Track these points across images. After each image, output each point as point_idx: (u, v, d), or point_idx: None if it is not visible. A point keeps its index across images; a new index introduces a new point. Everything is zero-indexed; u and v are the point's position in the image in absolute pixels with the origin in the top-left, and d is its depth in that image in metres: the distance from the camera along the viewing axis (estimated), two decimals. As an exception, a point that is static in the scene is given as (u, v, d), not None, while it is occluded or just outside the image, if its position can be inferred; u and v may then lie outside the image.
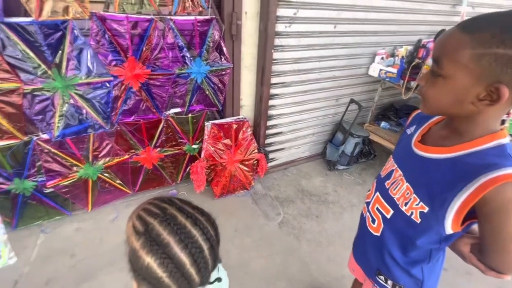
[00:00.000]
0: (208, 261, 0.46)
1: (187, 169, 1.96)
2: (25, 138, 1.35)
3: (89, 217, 1.70)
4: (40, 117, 1.32)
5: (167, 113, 1.69)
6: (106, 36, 1.31)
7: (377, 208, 0.72)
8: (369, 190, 0.80)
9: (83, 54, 1.28)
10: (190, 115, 1.76)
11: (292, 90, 1.98)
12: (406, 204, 0.63)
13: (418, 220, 0.60)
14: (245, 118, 1.89)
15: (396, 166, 0.69)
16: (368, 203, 0.78)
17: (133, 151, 1.71)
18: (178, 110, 1.71)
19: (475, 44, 0.45)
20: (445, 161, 0.56)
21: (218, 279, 0.57)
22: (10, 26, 1.11)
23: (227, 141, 1.85)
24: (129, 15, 1.30)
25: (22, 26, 1.13)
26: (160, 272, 0.42)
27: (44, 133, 1.38)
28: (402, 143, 0.72)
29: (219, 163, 1.86)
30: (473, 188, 0.50)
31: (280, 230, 1.76)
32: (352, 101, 2.20)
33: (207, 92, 1.70)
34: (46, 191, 1.55)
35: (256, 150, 1.98)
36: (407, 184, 0.63)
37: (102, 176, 1.65)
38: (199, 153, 1.93)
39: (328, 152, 2.34)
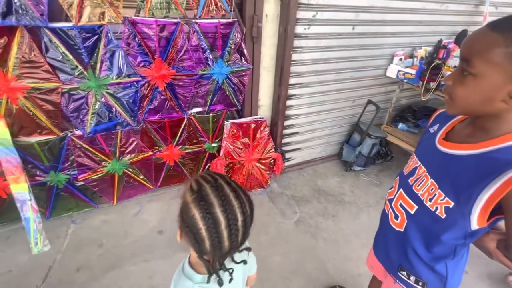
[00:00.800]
0: (239, 231, 0.53)
1: (207, 167, 2.03)
2: (61, 134, 1.45)
3: (114, 210, 1.80)
4: (75, 114, 1.42)
5: (189, 112, 1.76)
6: (136, 39, 1.39)
7: (401, 204, 0.74)
8: (391, 188, 0.81)
9: (115, 56, 1.37)
10: (211, 114, 1.83)
11: (309, 90, 2.01)
12: (430, 199, 0.64)
13: (443, 216, 0.61)
14: (263, 117, 1.94)
15: (419, 163, 0.70)
16: (391, 200, 0.79)
17: (157, 148, 1.79)
18: (199, 109, 1.78)
19: (508, 43, 0.47)
20: (471, 157, 0.57)
21: (248, 249, 0.66)
22: (53, 30, 1.21)
23: (245, 140, 1.90)
24: (158, 19, 1.38)
25: (64, 31, 1.23)
26: (200, 224, 0.51)
27: (78, 130, 1.48)
28: (425, 142, 0.73)
29: (237, 161, 1.92)
30: (499, 183, 0.51)
31: (296, 228, 1.79)
32: (369, 102, 2.20)
33: (227, 93, 1.77)
34: (77, 184, 1.65)
35: (273, 150, 2.02)
36: (432, 180, 0.64)
37: (127, 171, 1.74)
38: (218, 151, 2.00)
39: (344, 153, 2.35)
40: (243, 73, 1.74)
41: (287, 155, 2.25)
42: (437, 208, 0.63)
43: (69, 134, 1.48)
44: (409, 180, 0.72)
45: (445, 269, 0.70)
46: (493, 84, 0.50)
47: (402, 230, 0.73)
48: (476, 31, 0.52)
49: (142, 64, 1.47)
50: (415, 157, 0.75)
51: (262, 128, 1.92)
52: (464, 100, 0.55)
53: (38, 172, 1.51)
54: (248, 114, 1.94)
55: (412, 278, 0.74)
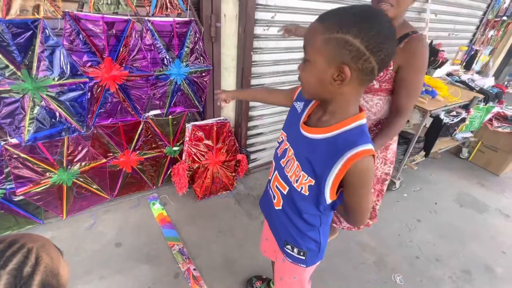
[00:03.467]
0: None
1: (168, 172, 1.94)
2: (-8, 143, 1.27)
3: (64, 225, 1.63)
4: (8, 120, 1.25)
5: (146, 115, 1.66)
6: (81, 36, 1.27)
7: (276, 186, 0.81)
8: (270, 168, 0.88)
9: (56, 54, 1.24)
10: (170, 116, 1.74)
11: (271, 91, 2.03)
12: (297, 181, 0.71)
13: (307, 193, 0.69)
14: (226, 119, 1.91)
15: (289, 145, 0.77)
16: (269, 181, 0.87)
17: (111, 154, 1.66)
18: (157, 112, 1.69)
19: (324, 30, 0.54)
20: (322, 141, 0.65)
21: None
22: (-26, 24, 1.05)
23: (209, 142, 1.85)
24: (105, 16, 1.27)
25: (-12, 25, 1.07)
26: None
27: (13, 138, 1.31)
28: (291, 120, 0.79)
29: (201, 165, 1.86)
30: (340, 165, 0.60)
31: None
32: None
33: (187, 94, 1.70)
34: (16, 199, 1.46)
35: (237, 151, 2.00)
36: (297, 162, 0.71)
37: (78, 181, 1.59)
38: (180, 155, 1.92)
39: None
40: (203, 74, 1.69)
41: (253, 156, 2.25)
42: (302, 188, 0.70)
43: (2, 143, 1.30)
44: (281, 162, 0.78)
45: (318, 235, 0.80)
46: (319, 67, 0.57)
47: (281, 208, 0.81)
48: (311, 23, 0.59)
49: (89, 64, 1.34)
50: (286, 137, 0.80)
51: (225, 130, 1.89)
52: (307, 84, 0.63)
53: (-37, 189, 1.30)
54: (211, 116, 1.90)
55: (296, 250, 0.84)
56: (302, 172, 0.69)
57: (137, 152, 1.74)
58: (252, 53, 1.74)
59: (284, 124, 0.82)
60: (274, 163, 0.84)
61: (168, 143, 1.84)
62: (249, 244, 1.67)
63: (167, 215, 1.78)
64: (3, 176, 1.38)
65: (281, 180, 0.78)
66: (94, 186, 1.67)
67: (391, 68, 1.03)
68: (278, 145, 0.82)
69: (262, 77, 1.92)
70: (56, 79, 1.27)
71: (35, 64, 1.21)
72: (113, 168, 1.70)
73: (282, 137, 0.81)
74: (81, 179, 1.60)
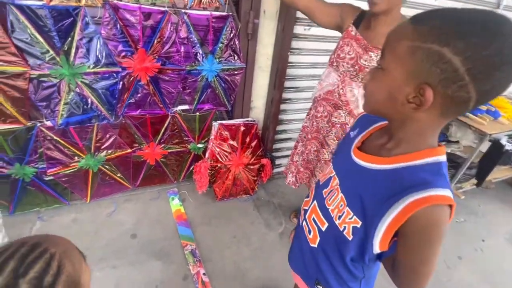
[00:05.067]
0: None
1: (191, 168, 1.91)
2: (29, 124, 1.32)
3: (87, 208, 1.67)
4: (45, 103, 1.29)
5: (174, 110, 1.64)
6: (118, 25, 1.26)
7: (314, 219, 0.67)
8: (307, 197, 0.74)
9: (93, 42, 1.25)
10: (197, 113, 1.71)
11: (305, 95, 1.90)
12: (339, 217, 0.58)
13: (350, 237, 0.56)
14: (254, 120, 1.82)
15: (334, 173, 0.63)
16: (305, 211, 0.72)
17: (137, 145, 1.67)
18: (186, 107, 1.66)
19: (415, 36, 0.42)
20: (380, 173, 0.51)
21: None
22: (20, 8, 1.08)
23: (234, 143, 1.79)
24: (143, 6, 1.25)
25: (32, 9, 1.09)
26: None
27: (48, 120, 1.36)
28: (343, 147, 0.66)
29: (223, 165, 1.80)
30: (400, 208, 0.46)
31: (280, 242, 1.68)
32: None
33: (217, 91, 1.65)
34: (46, 179, 1.52)
35: (262, 155, 1.91)
36: (342, 194, 0.58)
37: (103, 168, 1.62)
38: (204, 152, 1.88)
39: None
40: (236, 72, 1.62)
41: (277, 161, 2.14)
42: (345, 228, 0.57)
43: (38, 124, 1.35)
44: (323, 192, 0.65)
45: (359, 285, 0.67)
46: (394, 80, 0.45)
47: (316, 246, 0.67)
48: (399, 22, 0.46)
49: (123, 54, 1.34)
50: (331, 164, 0.67)
51: (252, 132, 1.81)
52: (372, 95, 0.51)
53: (1, 163, 1.38)
54: (239, 116, 1.83)
55: None
56: (347, 208, 0.56)
57: (162, 145, 1.73)
58: (289, 53, 1.63)
59: (335, 151, 0.71)
60: (313, 191, 0.72)
61: (193, 139, 1.81)
62: (264, 255, 1.58)
63: (185, 212, 1.75)
64: (37, 156, 1.44)
65: (320, 213, 0.65)
66: (118, 175, 1.69)
67: None
68: (321, 172, 0.71)
69: (297, 79, 1.80)
70: (91, 66, 1.28)
71: (73, 51, 1.23)
72: (137, 159, 1.71)
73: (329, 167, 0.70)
74: (106, 166, 1.63)
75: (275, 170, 2.15)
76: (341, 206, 0.58)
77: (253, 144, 1.84)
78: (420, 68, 0.41)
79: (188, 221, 1.69)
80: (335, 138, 1.32)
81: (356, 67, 1.14)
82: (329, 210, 0.62)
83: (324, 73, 1.31)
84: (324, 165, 1.42)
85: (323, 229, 0.64)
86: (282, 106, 1.87)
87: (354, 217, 0.54)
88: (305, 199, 0.75)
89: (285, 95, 1.83)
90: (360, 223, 0.53)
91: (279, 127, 1.97)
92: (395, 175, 0.49)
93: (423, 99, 0.42)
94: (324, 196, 0.65)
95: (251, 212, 1.86)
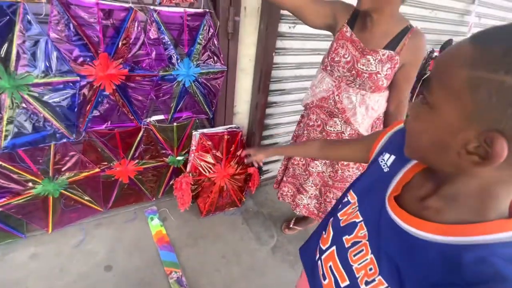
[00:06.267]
0: None
1: (170, 183, 1.73)
2: (-38, 149, 1.07)
3: (49, 239, 1.43)
4: (-18, 123, 1.04)
5: (147, 121, 1.44)
6: (71, 25, 1.04)
7: (331, 268, 0.54)
8: (323, 230, 0.60)
9: (39, 46, 1.01)
10: (175, 123, 1.52)
11: (291, 98, 1.79)
12: (367, 283, 0.44)
13: None
14: (238, 127, 1.67)
15: (361, 219, 0.49)
16: (321, 251, 0.58)
17: (106, 163, 1.45)
18: (161, 117, 1.47)
19: (478, 63, 0.29)
20: (431, 245, 0.37)
21: None
22: None
23: (218, 153, 1.63)
24: (100, 1, 1.04)
25: (-50, 6, 0.85)
26: None
27: (-12, 143, 1.10)
28: (371, 181, 0.52)
29: (207, 178, 1.64)
30: None
31: (273, 257, 1.57)
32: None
33: (196, 98, 1.47)
34: (-7, 211, 1.27)
35: (249, 164, 1.77)
36: (372, 256, 0.44)
37: (66, 193, 1.39)
38: (185, 165, 1.70)
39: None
40: (216, 76, 1.45)
41: (265, 167, 2.02)
42: None
43: (-24, 149, 1.10)
44: (344, 239, 0.51)
45: None
46: (447, 123, 0.33)
47: None
48: (455, 43, 0.34)
49: (81, 59, 1.12)
50: (357, 203, 0.53)
51: (237, 140, 1.66)
52: (415, 139, 0.39)
53: None
54: (221, 123, 1.66)
55: None
56: (380, 277, 0.42)
57: (136, 161, 1.52)
58: (274, 54, 1.49)
59: (356, 181, 0.55)
60: (331, 231, 0.57)
61: (172, 152, 1.62)
62: (256, 274, 1.46)
63: (166, 233, 1.57)
64: (-22, 185, 1.18)
65: (340, 266, 0.51)
66: (86, 198, 1.47)
67: (398, 65, 1.00)
68: (339, 204, 0.56)
69: (283, 81, 1.67)
70: (39, 76, 1.05)
71: (13, 58, 0.99)
72: (107, 178, 1.49)
73: (348, 197, 0.55)
74: (70, 190, 1.40)
75: (262, 177, 2.03)
76: (370, 270, 0.44)
77: (239, 152, 1.70)
78: (486, 109, 0.29)
79: (170, 244, 1.52)
80: None
81: (353, 71, 1.04)
82: (353, 268, 0.48)
83: (317, 77, 1.19)
84: (316, 177, 1.32)
85: (342, 286, 0.51)
86: (268, 111, 1.73)
87: None
88: (323, 234, 0.60)
89: (271, 99, 1.70)
90: None
91: (265, 133, 1.84)
92: (451, 255, 0.34)
93: (490, 152, 0.29)
94: (347, 246, 0.51)
95: (240, 226, 1.72)
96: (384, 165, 0.50)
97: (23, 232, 1.40)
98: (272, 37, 1.44)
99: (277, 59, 1.54)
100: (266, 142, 1.90)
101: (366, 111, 1.09)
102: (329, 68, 1.11)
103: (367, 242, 0.46)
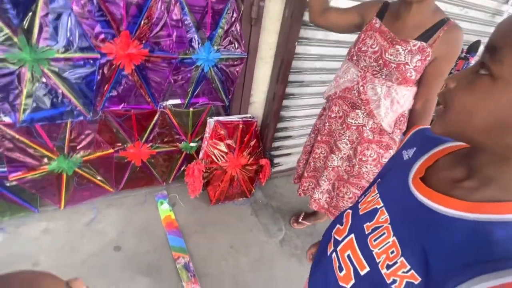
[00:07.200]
0: None
1: (182, 169, 1.72)
2: (-19, 120, 1.07)
3: (60, 215, 1.45)
4: (2, 95, 1.04)
5: (163, 104, 1.42)
6: (94, 0, 1.01)
7: (349, 257, 0.52)
8: (340, 222, 0.58)
9: (62, 20, 0.99)
10: (191, 108, 1.50)
11: (310, 90, 1.74)
12: (388, 267, 0.43)
13: None
14: (253, 117, 1.64)
15: (382, 204, 0.49)
16: (337, 242, 0.57)
17: (120, 144, 1.44)
18: (177, 101, 1.44)
19: None
20: (460, 222, 0.35)
21: None
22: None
23: (231, 142, 1.61)
24: (126, -23, 1.01)
25: (-24, -28, 0.83)
26: None
27: (7, 116, 1.10)
28: (393, 172, 0.52)
29: (219, 166, 1.62)
30: (495, 283, 0.30)
31: (281, 250, 1.56)
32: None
33: (213, 84, 1.44)
34: (8, 184, 1.28)
35: (261, 155, 1.74)
36: (394, 238, 0.43)
37: (80, 171, 1.39)
38: (197, 152, 1.69)
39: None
40: (235, 63, 1.42)
41: (276, 160, 1.99)
42: (394, 281, 0.41)
43: (-6, 120, 1.10)
44: (364, 226, 0.50)
45: None
46: None
47: (348, 287, 0.52)
48: None
49: (102, 36, 1.10)
50: (376, 190, 0.53)
51: (252, 130, 1.63)
52: (466, 113, 0.34)
53: None
54: (237, 112, 1.64)
55: None
56: (402, 259, 0.41)
57: (149, 144, 1.51)
58: (296, 43, 1.44)
59: (381, 173, 0.54)
60: (348, 219, 0.57)
61: (185, 138, 1.60)
62: (264, 267, 1.45)
63: (175, 218, 1.57)
64: (-5, 158, 1.19)
65: (359, 253, 0.50)
66: (98, 177, 1.47)
67: (429, 58, 0.96)
68: (363, 194, 0.55)
69: (303, 72, 1.63)
70: (60, 51, 1.03)
71: (35, 30, 0.97)
72: (120, 160, 1.49)
73: (370, 188, 0.54)
74: (83, 168, 1.40)
75: (273, 170, 2.00)
76: (392, 253, 0.43)
77: (252, 143, 1.67)
78: None
79: (179, 229, 1.52)
80: (348, 142, 1.18)
81: (380, 61, 1.00)
82: (373, 253, 0.47)
83: (341, 68, 1.15)
84: (331, 172, 1.29)
85: (362, 273, 0.49)
86: (285, 102, 1.70)
87: (412, 271, 0.40)
88: (337, 226, 0.60)
89: (289, 90, 1.65)
90: (419, 279, 0.39)
91: (280, 125, 1.81)
92: (480, 231, 0.34)
93: None
94: (367, 233, 0.50)
95: (249, 217, 1.71)
96: (405, 156, 0.49)
97: (36, 207, 1.41)
98: (296, 25, 1.39)
99: (298, 49, 1.49)
100: (280, 134, 1.87)
101: (391, 105, 1.05)
102: (355, 58, 1.07)
103: (389, 226, 0.45)
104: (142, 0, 1.10)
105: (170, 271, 1.32)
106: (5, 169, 1.21)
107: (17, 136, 1.16)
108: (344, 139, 1.18)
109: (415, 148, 0.48)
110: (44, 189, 1.36)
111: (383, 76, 1.02)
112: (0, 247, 1.27)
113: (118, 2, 1.06)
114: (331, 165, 1.27)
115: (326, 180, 1.32)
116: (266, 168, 1.76)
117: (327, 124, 1.23)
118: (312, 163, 1.36)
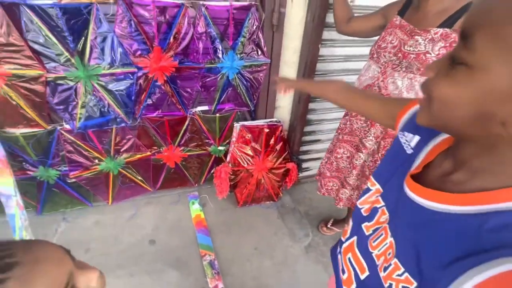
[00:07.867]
0: None
1: (212, 171, 1.82)
2: (49, 127, 1.31)
3: (108, 210, 1.66)
4: (63, 106, 1.26)
5: (193, 111, 1.54)
6: (132, 22, 1.18)
7: (350, 260, 0.50)
8: (347, 224, 0.57)
9: (107, 41, 1.17)
10: (218, 114, 1.59)
11: (337, 93, 1.69)
12: (385, 269, 0.40)
13: None
14: (279, 121, 1.66)
15: (383, 204, 0.45)
16: (341, 243, 0.55)
17: (156, 148, 1.60)
18: (205, 108, 1.55)
19: None
20: (449, 217, 0.34)
21: None
22: (33, 8, 1.03)
23: (257, 146, 1.65)
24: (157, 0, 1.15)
25: (44, 9, 1.04)
26: None
27: (67, 124, 1.33)
28: (391, 163, 0.47)
29: (245, 169, 1.67)
30: (489, 275, 0.27)
31: (306, 256, 1.53)
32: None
33: (238, 90, 1.51)
34: (69, 181, 1.53)
35: (288, 159, 1.74)
36: (391, 239, 0.41)
37: (123, 171, 1.58)
38: (226, 155, 1.77)
39: (373, 168, 2.00)
40: (259, 69, 1.47)
41: (304, 165, 1.97)
42: (390, 285, 0.39)
43: (59, 127, 1.33)
44: (364, 227, 0.48)
45: None
46: (494, 87, 0.27)
47: None
48: None
49: (138, 52, 1.26)
50: (377, 187, 0.49)
51: (277, 134, 1.65)
52: (446, 106, 0.32)
53: (27, 166, 1.39)
54: (263, 116, 1.68)
55: None
56: (395, 260, 0.39)
57: (181, 148, 1.65)
58: (320, 45, 1.43)
59: (378, 166, 0.53)
60: (350, 221, 0.56)
61: (214, 142, 1.70)
62: (288, 270, 1.44)
63: (204, 218, 1.66)
64: (59, 158, 1.44)
65: (360, 256, 0.49)
66: (138, 177, 1.66)
67: (455, 44, 0.78)
68: (362, 194, 0.54)
69: (328, 74, 1.60)
70: (106, 67, 1.22)
71: (87, 51, 1.16)
72: (157, 162, 1.65)
73: (367, 184, 0.53)
74: (126, 169, 1.59)
75: (301, 174, 1.98)
76: (389, 254, 0.41)
77: (278, 147, 1.69)
78: None
79: (207, 228, 1.60)
80: (373, 138, 1.13)
81: (399, 54, 0.97)
82: (373, 255, 0.45)
83: (364, 67, 1.13)
84: (360, 169, 1.23)
85: (362, 277, 0.48)
86: (311, 105, 1.68)
87: (406, 274, 0.37)
88: (345, 227, 0.59)
89: (314, 93, 1.63)
90: (415, 284, 0.36)
91: (307, 128, 1.79)
92: (476, 222, 0.31)
93: None
94: (367, 234, 0.48)
95: (275, 220, 1.72)
96: (407, 146, 0.46)
97: (91, 201, 1.65)
98: (319, 28, 1.39)
99: (323, 51, 1.47)
100: (308, 138, 1.85)
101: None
102: (375, 55, 1.05)
103: (387, 226, 0.43)
104: (171, 17, 1.23)
105: (196, 267, 1.41)
106: (67, 168, 1.45)
107: (75, 141, 1.39)
108: (369, 136, 1.15)
109: (419, 138, 0.45)
110: (96, 187, 1.58)
111: (403, 69, 0.97)
112: (62, 234, 1.52)
113: (150, 22, 1.21)
114: (359, 163, 1.23)
115: (356, 178, 1.27)
116: (293, 172, 1.75)
117: (349, 123, 1.21)
118: (335, 163, 1.32)
